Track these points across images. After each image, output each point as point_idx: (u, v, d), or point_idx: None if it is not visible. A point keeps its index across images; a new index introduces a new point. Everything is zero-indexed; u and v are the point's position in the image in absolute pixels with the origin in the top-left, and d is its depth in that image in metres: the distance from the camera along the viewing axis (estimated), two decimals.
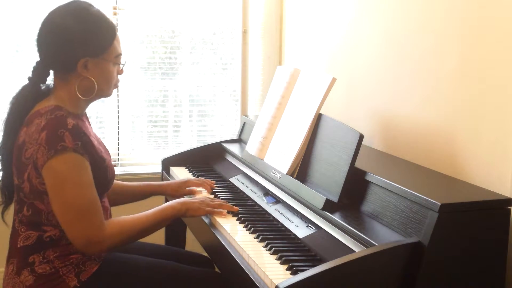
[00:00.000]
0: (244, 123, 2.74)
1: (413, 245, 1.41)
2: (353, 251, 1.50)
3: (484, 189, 1.65)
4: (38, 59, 1.70)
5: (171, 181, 2.21)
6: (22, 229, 1.65)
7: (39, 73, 1.70)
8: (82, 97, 1.69)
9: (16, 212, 1.68)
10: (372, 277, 1.39)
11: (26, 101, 1.68)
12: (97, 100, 1.82)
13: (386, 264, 1.40)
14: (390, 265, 1.40)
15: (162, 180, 2.56)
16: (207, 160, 2.62)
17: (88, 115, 1.85)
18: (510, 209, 1.52)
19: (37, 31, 1.68)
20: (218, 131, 3.36)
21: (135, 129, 3.25)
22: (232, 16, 3.27)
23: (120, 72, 1.77)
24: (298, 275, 1.35)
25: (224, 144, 2.63)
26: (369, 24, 2.34)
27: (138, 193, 2.11)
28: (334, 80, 1.95)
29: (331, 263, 1.35)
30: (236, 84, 3.32)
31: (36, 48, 1.69)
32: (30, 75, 1.70)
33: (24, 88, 1.70)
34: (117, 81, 1.78)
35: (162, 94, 3.27)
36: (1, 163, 1.72)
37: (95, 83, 1.68)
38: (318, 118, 1.94)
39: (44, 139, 1.55)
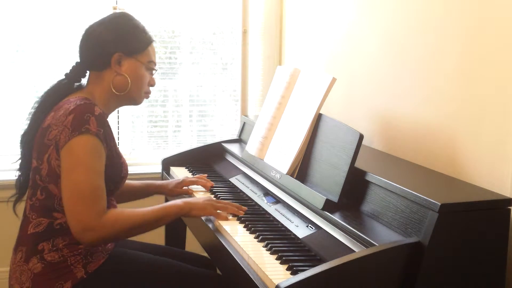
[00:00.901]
0: (244, 123, 2.74)
1: (413, 245, 1.41)
2: (353, 251, 1.50)
3: (484, 189, 1.65)
4: (78, 60, 1.82)
5: (168, 180, 2.22)
6: (33, 216, 1.67)
7: (76, 71, 1.81)
8: (115, 92, 1.78)
9: (29, 197, 1.71)
10: (372, 277, 1.39)
11: (58, 93, 1.77)
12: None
13: (386, 264, 1.40)
14: (390, 265, 1.40)
15: (162, 180, 2.56)
16: (207, 160, 2.62)
17: None
18: (510, 209, 1.52)
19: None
20: (218, 131, 3.36)
21: (135, 129, 3.25)
22: (232, 16, 3.28)
23: (152, 82, 1.88)
24: (298, 275, 1.35)
25: (224, 144, 2.63)
26: (369, 24, 2.34)
27: (138, 192, 2.15)
28: (334, 80, 1.95)
29: (331, 263, 1.35)
30: (236, 84, 3.32)
31: (77, 53, 1.82)
32: (68, 72, 1.81)
33: (58, 83, 1.81)
34: (148, 91, 1.88)
35: (162, 94, 3.27)
36: (22, 149, 1.78)
37: (129, 79, 1.78)
38: (318, 118, 1.94)
39: (70, 121, 1.61)
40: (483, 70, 1.73)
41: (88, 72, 1.82)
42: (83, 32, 1.80)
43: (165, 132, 3.30)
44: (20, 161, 1.78)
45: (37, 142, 1.69)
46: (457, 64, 1.84)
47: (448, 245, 1.44)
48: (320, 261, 1.52)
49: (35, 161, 1.69)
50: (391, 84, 2.19)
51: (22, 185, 1.78)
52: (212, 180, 2.31)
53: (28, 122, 1.77)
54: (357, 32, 2.42)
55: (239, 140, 2.69)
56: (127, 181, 2.08)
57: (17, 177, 1.79)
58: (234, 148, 2.55)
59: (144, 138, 3.27)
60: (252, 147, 2.26)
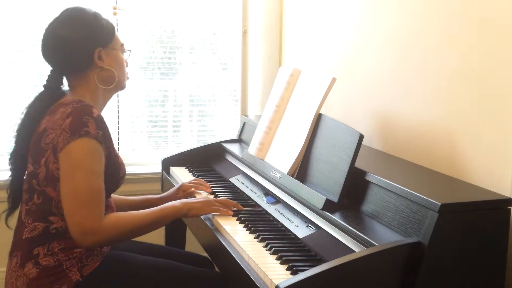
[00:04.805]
0: (244, 123, 2.74)
1: (413, 245, 1.41)
2: (353, 251, 1.50)
3: (484, 189, 1.65)
4: (51, 68, 1.75)
5: (167, 192, 2.15)
6: (29, 220, 1.66)
7: (54, 80, 1.75)
8: (104, 87, 1.75)
9: (25, 202, 1.69)
10: (372, 277, 1.39)
11: (42, 106, 1.72)
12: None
13: (386, 264, 1.40)
14: (390, 265, 1.40)
15: (162, 180, 2.56)
16: (207, 160, 2.62)
17: None
18: (510, 209, 1.52)
19: (42, 47, 1.74)
20: (218, 131, 3.36)
21: (135, 129, 3.25)
22: (232, 16, 3.28)
23: (126, 63, 1.85)
24: (298, 275, 1.35)
25: (224, 144, 2.63)
26: (369, 24, 2.34)
27: (139, 207, 2.03)
28: (334, 80, 1.95)
29: (331, 263, 1.35)
30: (236, 84, 3.32)
31: (45, 61, 1.75)
32: (45, 83, 1.75)
33: (40, 95, 1.75)
34: (127, 73, 1.86)
35: (162, 94, 3.27)
36: (13, 168, 1.75)
37: (114, 71, 1.77)
38: (318, 118, 1.94)
39: (68, 124, 1.59)
40: (483, 71, 1.73)
41: (64, 77, 1.76)
42: (47, 39, 1.72)
43: (165, 132, 3.29)
44: (11, 178, 1.75)
45: (32, 146, 1.67)
46: (457, 64, 1.84)
47: (448, 245, 1.44)
48: (320, 261, 1.52)
49: (31, 166, 1.67)
50: (391, 84, 2.19)
51: (14, 202, 1.75)
52: (212, 180, 2.32)
53: (15, 140, 1.73)
54: (357, 32, 2.42)
55: (239, 140, 2.69)
56: (125, 197, 2.05)
57: (9, 193, 1.75)
58: (234, 148, 2.55)
59: (144, 138, 3.26)
60: (252, 147, 2.26)
